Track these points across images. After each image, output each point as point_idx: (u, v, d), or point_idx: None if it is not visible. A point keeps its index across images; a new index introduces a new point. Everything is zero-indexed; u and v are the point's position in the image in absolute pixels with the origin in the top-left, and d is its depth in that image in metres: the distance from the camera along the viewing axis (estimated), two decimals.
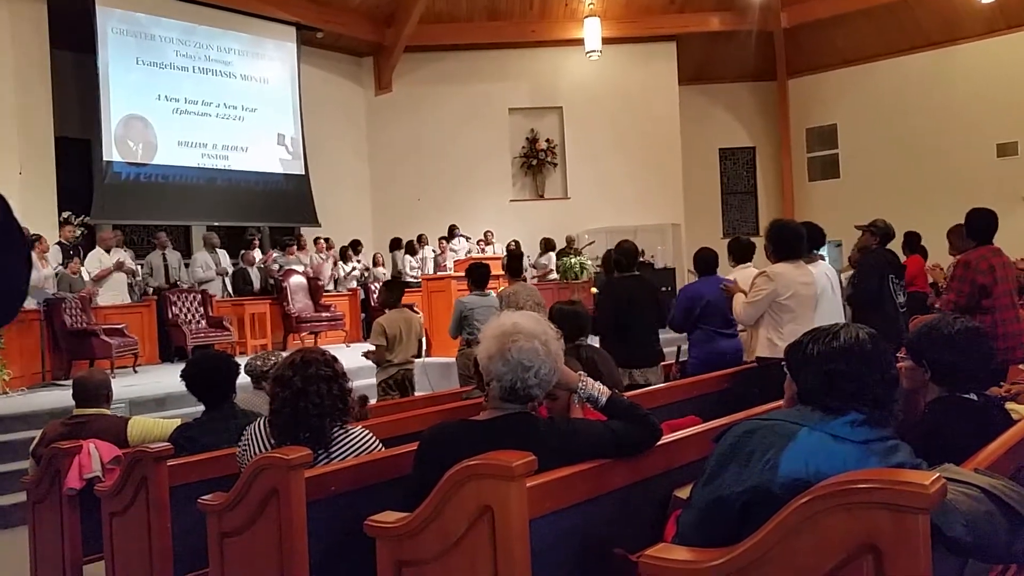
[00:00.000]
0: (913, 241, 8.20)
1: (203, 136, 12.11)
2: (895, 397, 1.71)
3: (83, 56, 11.08)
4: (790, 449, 1.60)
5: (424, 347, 6.18)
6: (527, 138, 15.36)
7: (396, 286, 6.51)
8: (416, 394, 5.95)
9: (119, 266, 9.61)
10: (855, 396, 1.66)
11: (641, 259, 11.32)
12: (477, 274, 6.20)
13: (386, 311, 6.10)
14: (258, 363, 4.15)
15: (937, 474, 1.43)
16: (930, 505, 1.36)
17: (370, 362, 6.15)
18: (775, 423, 1.69)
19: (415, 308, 7.03)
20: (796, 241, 4.26)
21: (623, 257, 5.34)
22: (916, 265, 7.97)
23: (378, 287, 12.00)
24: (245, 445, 2.67)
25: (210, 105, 12.24)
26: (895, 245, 8.06)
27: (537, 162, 15.32)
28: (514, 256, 6.93)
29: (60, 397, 6.47)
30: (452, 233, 12.93)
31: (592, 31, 14.23)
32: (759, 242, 5.50)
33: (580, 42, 14.39)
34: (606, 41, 14.29)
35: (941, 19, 14.33)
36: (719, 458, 1.71)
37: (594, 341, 4.44)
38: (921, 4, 14.15)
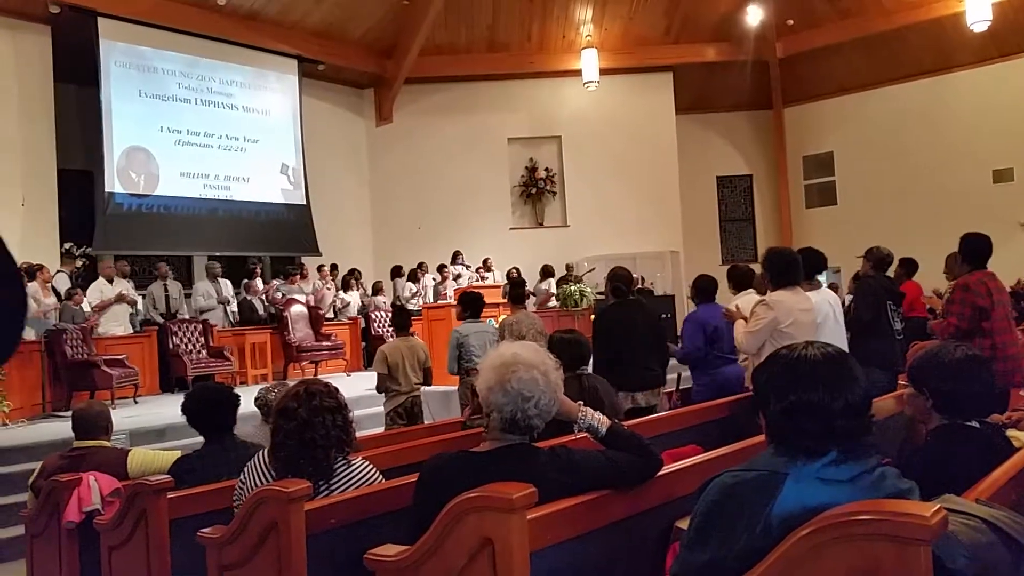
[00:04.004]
0: (910, 268, 8.22)
1: (205, 167, 12.20)
2: (865, 425, 1.58)
3: (86, 89, 11.19)
4: (779, 505, 1.52)
5: (427, 375, 6.15)
6: (526, 167, 15.47)
7: (401, 313, 6.54)
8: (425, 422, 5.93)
9: (120, 298, 9.62)
10: (822, 435, 1.55)
11: (640, 286, 11.38)
12: (469, 303, 6.20)
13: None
14: (270, 396, 3.96)
15: (938, 505, 1.43)
16: (932, 537, 1.35)
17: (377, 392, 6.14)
18: (756, 476, 1.58)
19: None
20: (792, 267, 4.26)
21: (621, 283, 5.34)
22: (912, 291, 7.98)
23: (378, 316, 12.05)
24: (243, 482, 2.66)
25: (212, 136, 12.35)
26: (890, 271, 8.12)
27: (536, 191, 15.42)
28: (516, 284, 6.92)
29: (60, 429, 6.44)
30: (455, 259, 12.96)
31: (590, 62, 14.43)
32: (758, 269, 5.49)
33: (578, 73, 14.58)
34: (603, 72, 14.48)
35: (934, 48, 14.51)
36: (701, 520, 1.62)
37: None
38: (914, 34, 14.32)
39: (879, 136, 15.41)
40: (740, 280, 5.36)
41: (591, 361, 4.35)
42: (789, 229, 16.56)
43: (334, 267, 12.73)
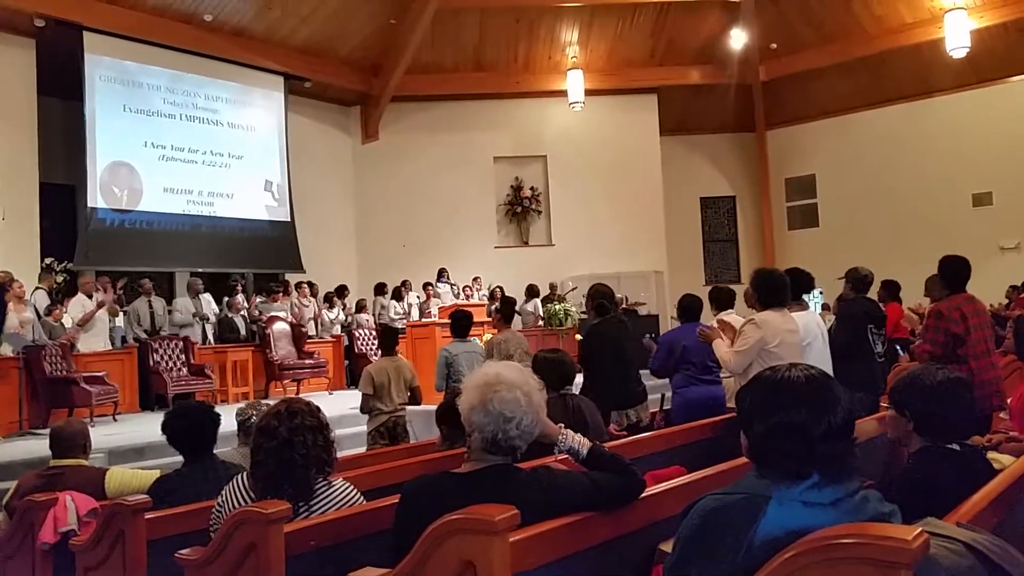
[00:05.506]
0: (892, 289, 8.28)
1: (189, 183, 12.14)
2: (848, 448, 1.57)
3: (70, 103, 11.14)
4: (762, 528, 1.51)
5: (416, 394, 6.13)
6: (512, 186, 15.52)
7: (388, 332, 6.51)
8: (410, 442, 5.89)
9: (101, 304, 9.44)
10: (804, 458, 1.54)
11: (624, 305, 11.43)
12: (458, 322, 6.21)
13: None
14: (252, 412, 3.89)
15: (920, 529, 1.43)
16: (913, 560, 1.35)
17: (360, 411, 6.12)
18: (739, 499, 1.58)
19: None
20: (781, 290, 4.30)
21: (604, 300, 5.52)
22: (896, 313, 8.04)
23: (362, 333, 11.99)
24: (220, 505, 2.62)
25: (196, 152, 12.31)
26: (871, 293, 8.19)
27: (522, 209, 15.47)
28: (506, 303, 6.93)
29: (37, 447, 6.35)
30: (440, 276, 12.94)
31: (575, 83, 14.56)
32: (740, 289, 5.54)
33: (563, 93, 14.70)
34: (589, 93, 14.60)
35: (914, 73, 14.73)
36: (684, 543, 1.61)
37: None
38: (895, 59, 14.55)
39: (861, 159, 15.60)
40: (721, 301, 5.43)
41: (576, 381, 4.37)
42: (772, 250, 16.68)
43: (311, 284, 12.61)
